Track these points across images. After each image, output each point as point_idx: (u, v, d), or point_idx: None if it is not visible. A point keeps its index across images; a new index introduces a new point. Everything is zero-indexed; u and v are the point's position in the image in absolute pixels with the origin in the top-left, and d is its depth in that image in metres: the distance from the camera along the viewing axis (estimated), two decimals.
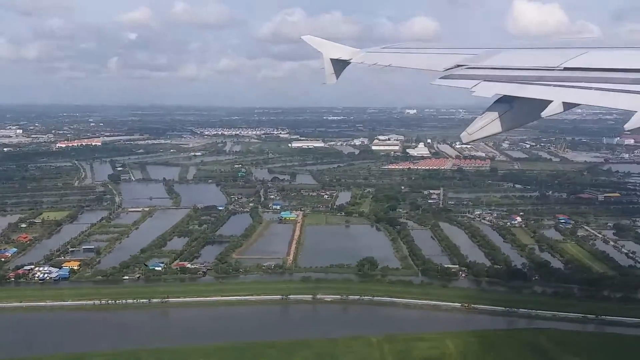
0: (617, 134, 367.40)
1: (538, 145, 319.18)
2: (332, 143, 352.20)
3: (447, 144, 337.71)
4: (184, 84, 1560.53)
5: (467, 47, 23.38)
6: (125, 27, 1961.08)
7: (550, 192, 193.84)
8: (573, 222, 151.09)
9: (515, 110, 16.59)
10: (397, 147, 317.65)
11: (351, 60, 29.58)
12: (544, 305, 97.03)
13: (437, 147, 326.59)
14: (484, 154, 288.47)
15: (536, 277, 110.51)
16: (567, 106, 14.49)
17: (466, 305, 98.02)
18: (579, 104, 14.51)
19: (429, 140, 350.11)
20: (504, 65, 19.04)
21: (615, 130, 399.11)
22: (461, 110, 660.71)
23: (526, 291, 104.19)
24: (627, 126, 12.05)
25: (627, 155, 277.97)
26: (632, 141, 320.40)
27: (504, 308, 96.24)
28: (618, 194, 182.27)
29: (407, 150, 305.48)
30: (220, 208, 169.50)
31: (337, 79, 31.04)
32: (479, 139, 16.74)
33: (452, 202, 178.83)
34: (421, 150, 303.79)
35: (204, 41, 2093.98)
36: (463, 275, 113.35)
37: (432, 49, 26.86)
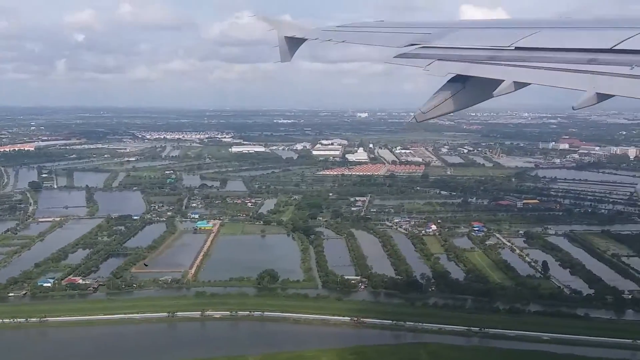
0: (555, 138, 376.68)
1: (475, 150, 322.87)
2: (275, 147, 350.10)
3: (388, 148, 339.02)
4: (134, 86, 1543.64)
5: (422, 26, 23.44)
6: (71, 29, 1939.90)
7: (474, 198, 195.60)
8: (486, 229, 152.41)
9: (468, 89, 16.84)
10: (337, 152, 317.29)
11: (306, 37, 29.04)
12: (432, 317, 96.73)
13: (377, 152, 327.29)
14: (420, 159, 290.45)
15: (432, 289, 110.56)
16: (518, 85, 14.65)
17: (355, 319, 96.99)
18: (529, 84, 14.67)
19: (371, 145, 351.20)
20: (458, 44, 19.20)
21: (555, 134, 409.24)
22: (412, 114, 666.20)
23: (419, 303, 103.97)
24: (576, 106, 12.50)
25: (558, 161, 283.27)
26: (566, 146, 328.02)
27: (392, 321, 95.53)
28: (537, 201, 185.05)
29: (347, 155, 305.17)
30: (135, 217, 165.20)
31: (291, 58, 30.40)
32: (432, 117, 16.99)
33: (375, 210, 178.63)
34: (360, 155, 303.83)
35: (153, 43, 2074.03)
36: (362, 287, 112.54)
37: (387, 27, 26.94)
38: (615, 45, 13.79)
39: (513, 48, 16.48)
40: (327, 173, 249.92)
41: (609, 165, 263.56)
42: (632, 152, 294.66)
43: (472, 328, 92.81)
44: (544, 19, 20.46)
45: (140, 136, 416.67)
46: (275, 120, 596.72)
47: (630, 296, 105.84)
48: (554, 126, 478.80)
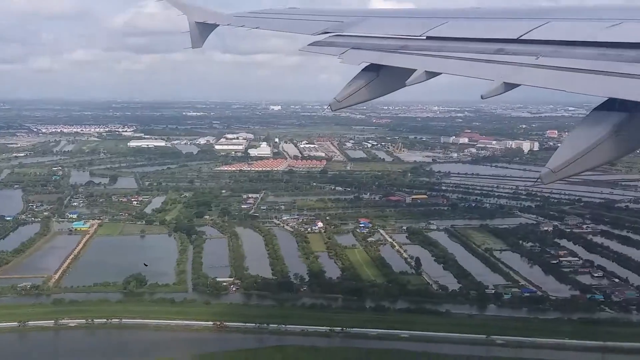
0: (458, 132, 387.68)
1: (379, 145, 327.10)
2: (177, 142, 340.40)
3: (293, 143, 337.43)
4: (38, 77, 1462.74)
5: (335, 14, 23.34)
6: None
7: (367, 194, 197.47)
8: (371, 226, 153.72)
9: (382, 78, 16.84)
10: (241, 147, 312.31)
11: (218, 23, 28.76)
12: (297, 319, 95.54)
13: (282, 146, 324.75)
14: (323, 154, 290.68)
15: (304, 289, 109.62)
16: (429, 75, 14.81)
17: (219, 323, 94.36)
18: (440, 73, 14.82)
19: (276, 139, 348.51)
20: (371, 33, 19.38)
21: (459, 128, 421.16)
22: (325, 107, 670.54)
23: (288, 304, 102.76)
24: (484, 95, 12.72)
25: (455, 155, 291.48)
26: (466, 140, 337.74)
27: (255, 325, 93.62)
28: (425, 196, 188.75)
29: (249, 150, 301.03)
30: (8, 218, 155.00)
31: (202, 44, 30.11)
32: (348, 105, 17.12)
33: (265, 207, 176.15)
34: (263, 150, 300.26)
35: (55, 33, 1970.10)
36: (234, 289, 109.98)
37: (300, 14, 26.59)
38: (521, 36, 14.09)
39: (424, 38, 16.62)
40: (226, 169, 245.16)
41: (502, 159, 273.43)
42: (526, 145, 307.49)
43: (334, 328, 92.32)
44: (454, 9, 20.63)
45: (35, 130, 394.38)
46: (184, 113, 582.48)
47: (493, 291, 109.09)
48: (460, 120, 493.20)
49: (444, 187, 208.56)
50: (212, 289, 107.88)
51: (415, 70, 15.03)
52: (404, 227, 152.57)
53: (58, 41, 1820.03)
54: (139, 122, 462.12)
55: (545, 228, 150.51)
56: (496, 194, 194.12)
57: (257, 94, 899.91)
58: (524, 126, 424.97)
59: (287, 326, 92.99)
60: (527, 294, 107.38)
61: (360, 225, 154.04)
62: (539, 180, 11.80)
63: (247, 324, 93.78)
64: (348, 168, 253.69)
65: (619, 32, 12.74)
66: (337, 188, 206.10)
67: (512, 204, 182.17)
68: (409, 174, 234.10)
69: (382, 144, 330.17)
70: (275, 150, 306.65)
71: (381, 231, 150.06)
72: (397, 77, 16.44)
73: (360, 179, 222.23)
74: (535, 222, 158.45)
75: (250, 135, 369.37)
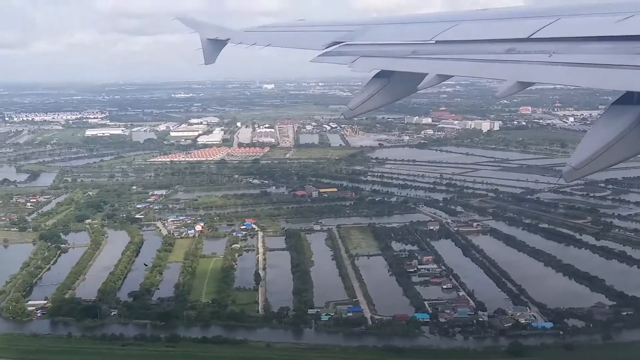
0: (432, 109, 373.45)
1: (338, 127, 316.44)
2: (137, 129, 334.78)
3: (253, 127, 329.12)
4: (36, 60, 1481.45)
5: (344, 24, 23.67)
6: None
7: (283, 187, 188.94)
8: (253, 227, 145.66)
9: (393, 84, 17.66)
10: (195, 134, 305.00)
11: (229, 41, 28.98)
12: (76, 355, 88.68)
13: (239, 132, 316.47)
14: (274, 140, 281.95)
15: (113, 313, 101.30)
16: (442, 78, 15.22)
17: None
18: (452, 76, 15.50)
19: (238, 124, 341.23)
20: (380, 40, 20.22)
21: (436, 105, 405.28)
22: (321, 84, 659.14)
23: (89, 333, 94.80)
24: (498, 95, 13.30)
25: (407, 138, 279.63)
26: (429, 120, 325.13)
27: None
28: (335, 189, 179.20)
29: (201, 137, 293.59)
30: None
31: (215, 59, 30.58)
32: (360, 113, 18.24)
33: (160, 207, 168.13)
34: (215, 137, 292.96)
35: (48, 16, 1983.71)
36: (39, 314, 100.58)
37: (309, 27, 26.98)
38: (532, 34, 14.38)
39: (434, 42, 16.82)
40: (161, 160, 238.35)
41: (452, 142, 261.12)
42: (485, 125, 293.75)
43: None
44: (462, 11, 20.82)
45: (7, 119, 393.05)
46: (172, 95, 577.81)
47: (315, 311, 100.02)
48: (444, 95, 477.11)
49: (367, 178, 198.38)
50: (16, 315, 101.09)
51: (427, 74, 15.02)
52: (286, 229, 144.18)
53: (53, 25, 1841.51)
54: (120, 107, 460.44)
55: (432, 227, 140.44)
56: (415, 185, 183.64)
57: (260, 70, 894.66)
58: (505, 101, 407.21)
59: None
60: (350, 314, 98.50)
61: (242, 227, 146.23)
62: (561, 179, 12.26)
63: None
64: (287, 156, 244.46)
65: (630, 26, 12.70)
66: (254, 181, 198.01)
67: (423, 196, 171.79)
68: (342, 162, 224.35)
69: (342, 126, 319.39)
70: (227, 137, 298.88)
71: (260, 234, 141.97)
72: (408, 82, 16.63)
73: (287, 169, 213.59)
74: (430, 220, 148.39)
75: (215, 120, 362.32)
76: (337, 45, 20.51)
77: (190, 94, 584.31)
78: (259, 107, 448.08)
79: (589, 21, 14.39)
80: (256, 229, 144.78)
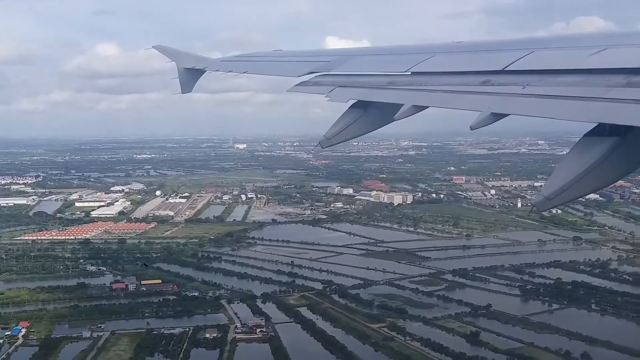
0: (362, 179, 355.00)
1: (255, 197, 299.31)
2: (50, 198, 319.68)
3: (166, 196, 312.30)
4: (24, 118, 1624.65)
5: (320, 55, 24.54)
6: None
7: (112, 277, 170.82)
8: (22, 333, 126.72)
9: (370, 114, 17.84)
10: (98, 204, 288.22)
11: (206, 69, 29.48)
12: None
13: (145, 204, 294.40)
14: (171, 213, 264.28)
15: None
16: (418, 109, 15.47)
17: None
18: (427, 107, 15.50)
19: (157, 192, 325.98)
20: (357, 71, 20.48)
21: (384, 171, 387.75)
22: (296, 143, 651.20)
23: None
24: (472, 126, 13.23)
25: (309, 212, 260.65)
26: (350, 191, 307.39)
27: None
28: (159, 281, 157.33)
29: (100, 209, 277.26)
30: None
31: (192, 89, 30.73)
32: (337, 142, 18.00)
33: None
34: (114, 209, 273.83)
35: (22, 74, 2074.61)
36: None
37: (286, 56, 27.12)
38: (507, 67, 14.67)
39: (410, 73, 17.32)
40: (26, 238, 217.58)
41: (352, 219, 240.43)
42: (397, 198, 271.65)
43: None
44: (438, 44, 21.07)
45: None
46: (134, 156, 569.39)
47: None
48: (401, 160, 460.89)
49: (218, 264, 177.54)
50: None
51: (403, 105, 15.34)
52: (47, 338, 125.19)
53: (29, 84, 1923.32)
54: (65, 170, 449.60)
55: (208, 335, 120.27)
56: (254, 274, 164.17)
57: (240, 128, 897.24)
58: (451, 168, 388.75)
59: None
60: None
61: (7, 333, 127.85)
62: (534, 208, 12.18)
63: None
64: (167, 234, 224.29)
65: (603, 59, 13.20)
66: (91, 268, 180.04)
67: (252, 288, 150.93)
68: (211, 243, 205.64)
69: (259, 196, 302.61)
70: (131, 208, 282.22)
71: (18, 342, 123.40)
72: (385, 113, 16.99)
73: (145, 252, 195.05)
74: (213, 325, 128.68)
75: (140, 187, 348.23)
76: (314, 75, 20.70)
77: (154, 155, 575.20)
78: (204, 172, 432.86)
79: (562, 54, 14.88)
80: (18, 337, 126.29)
